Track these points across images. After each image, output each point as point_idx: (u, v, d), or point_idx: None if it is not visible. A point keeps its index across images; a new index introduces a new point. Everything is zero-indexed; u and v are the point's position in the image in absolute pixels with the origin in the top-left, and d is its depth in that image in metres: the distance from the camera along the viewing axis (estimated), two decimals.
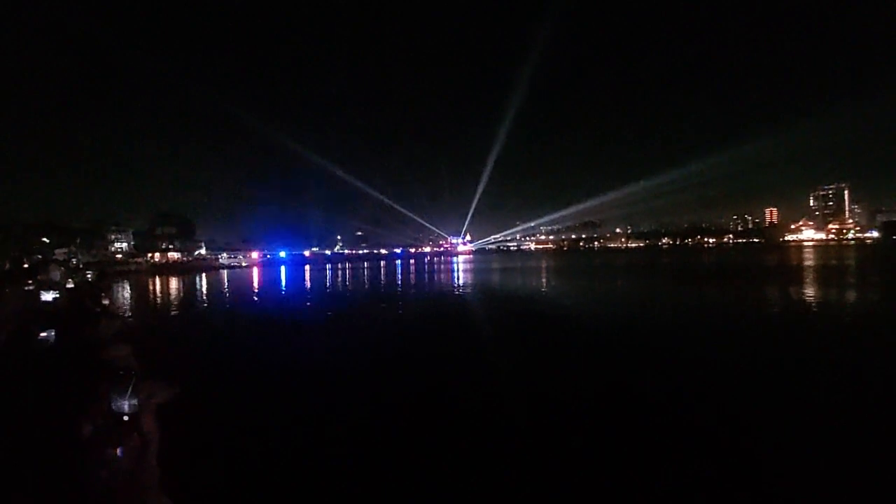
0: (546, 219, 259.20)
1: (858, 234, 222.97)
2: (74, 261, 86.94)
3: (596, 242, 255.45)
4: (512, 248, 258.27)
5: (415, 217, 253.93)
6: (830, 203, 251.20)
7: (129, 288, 53.92)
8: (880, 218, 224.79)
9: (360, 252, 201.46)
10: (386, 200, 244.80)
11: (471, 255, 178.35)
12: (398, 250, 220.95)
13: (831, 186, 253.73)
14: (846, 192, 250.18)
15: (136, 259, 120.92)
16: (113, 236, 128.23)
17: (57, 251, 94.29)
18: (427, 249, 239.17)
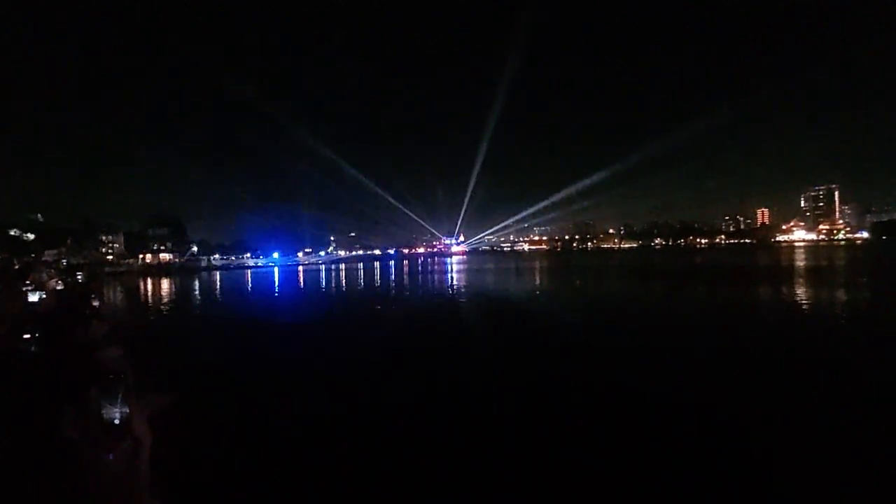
0: (537, 208, 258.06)
1: (849, 235, 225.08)
2: (65, 262, 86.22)
3: (589, 243, 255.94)
4: (506, 248, 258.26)
5: (408, 218, 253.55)
6: (821, 204, 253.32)
7: (120, 289, 53.52)
8: (870, 218, 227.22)
9: (355, 253, 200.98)
10: (380, 198, 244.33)
11: (464, 256, 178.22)
12: (391, 251, 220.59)
13: (822, 187, 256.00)
14: (836, 192, 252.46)
15: (127, 260, 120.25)
16: (104, 237, 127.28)
17: (48, 252, 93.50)
18: (421, 250, 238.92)
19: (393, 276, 60.51)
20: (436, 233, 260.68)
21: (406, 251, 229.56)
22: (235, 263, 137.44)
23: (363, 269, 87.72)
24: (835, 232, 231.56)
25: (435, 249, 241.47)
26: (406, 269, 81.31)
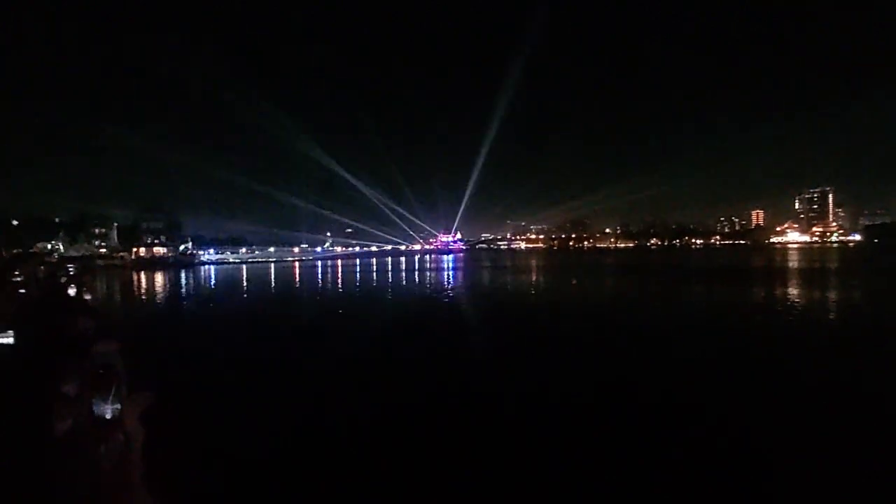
0: (534, 206, 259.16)
1: (842, 237, 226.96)
2: (57, 254, 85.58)
3: (585, 242, 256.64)
4: (502, 246, 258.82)
5: (405, 214, 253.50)
6: (815, 206, 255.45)
7: (112, 282, 53.11)
8: (863, 221, 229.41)
9: (351, 249, 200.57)
10: (376, 197, 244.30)
11: (462, 254, 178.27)
12: (389, 248, 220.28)
13: (816, 190, 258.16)
14: (831, 195, 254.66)
15: (120, 253, 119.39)
16: (97, 230, 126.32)
17: (39, 245, 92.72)
18: (417, 247, 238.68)
19: (390, 273, 60.23)
20: (432, 230, 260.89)
21: (403, 248, 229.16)
22: (230, 258, 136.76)
23: (360, 265, 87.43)
24: (828, 234, 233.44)
25: (432, 246, 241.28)
26: (404, 265, 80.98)
